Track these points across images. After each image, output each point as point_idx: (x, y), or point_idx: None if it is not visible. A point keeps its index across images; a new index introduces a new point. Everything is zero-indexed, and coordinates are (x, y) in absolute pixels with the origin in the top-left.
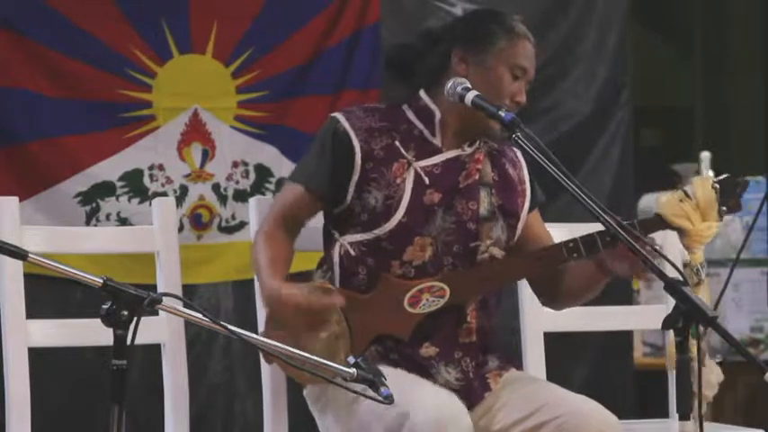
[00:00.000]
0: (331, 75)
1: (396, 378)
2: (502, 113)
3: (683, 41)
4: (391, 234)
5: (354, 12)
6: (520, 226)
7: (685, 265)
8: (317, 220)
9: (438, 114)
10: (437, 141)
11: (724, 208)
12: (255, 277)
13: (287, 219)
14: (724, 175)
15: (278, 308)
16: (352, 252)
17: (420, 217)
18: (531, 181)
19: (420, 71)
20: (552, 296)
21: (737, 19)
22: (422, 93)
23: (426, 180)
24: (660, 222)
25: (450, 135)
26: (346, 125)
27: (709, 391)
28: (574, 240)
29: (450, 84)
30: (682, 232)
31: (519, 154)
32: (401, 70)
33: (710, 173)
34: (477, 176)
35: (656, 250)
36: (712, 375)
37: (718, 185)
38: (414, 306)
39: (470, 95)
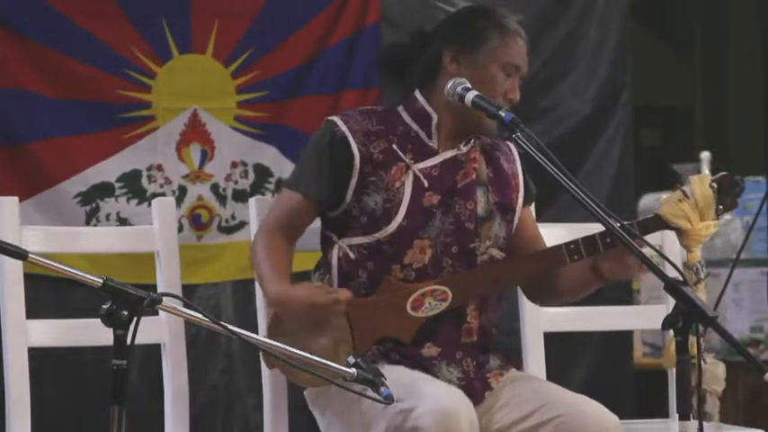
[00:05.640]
0: (331, 75)
1: (398, 374)
2: (502, 113)
3: (683, 41)
4: (392, 237)
5: (354, 12)
6: (516, 220)
7: (684, 264)
8: (316, 221)
9: (435, 117)
10: (433, 143)
11: (721, 207)
12: (257, 283)
13: (285, 226)
14: (721, 174)
15: (284, 308)
16: (352, 255)
17: (419, 219)
18: (524, 175)
19: (414, 71)
20: (540, 295)
21: (737, 19)
22: (417, 93)
23: (425, 182)
24: (659, 222)
25: (446, 136)
26: (344, 128)
27: (718, 386)
28: (575, 242)
29: (450, 84)
30: (680, 232)
31: (512, 147)
32: (395, 70)
33: (707, 172)
34: (474, 176)
35: (656, 250)
36: (718, 369)
37: (716, 184)
38: (416, 310)
39: (470, 95)
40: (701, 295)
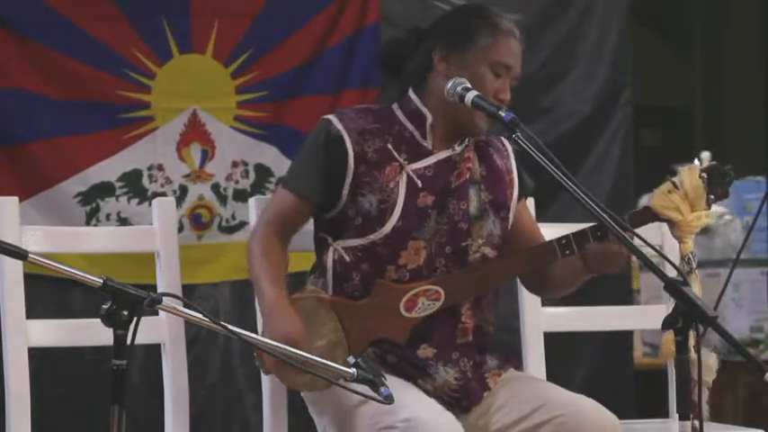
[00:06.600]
0: (331, 75)
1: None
2: (502, 113)
3: (683, 41)
4: (386, 239)
5: (354, 12)
6: (511, 216)
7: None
8: (311, 221)
9: (429, 118)
10: (428, 143)
11: (712, 197)
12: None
13: (280, 226)
14: (710, 164)
15: (270, 321)
16: (347, 257)
17: (414, 220)
18: (518, 170)
19: (408, 70)
20: (535, 287)
21: (737, 19)
22: (411, 93)
23: (419, 183)
24: (650, 215)
25: (440, 136)
26: (339, 126)
27: (709, 377)
28: (566, 237)
29: (450, 84)
30: (671, 223)
31: (506, 143)
32: (393, 67)
33: (697, 163)
34: (467, 176)
35: (655, 250)
36: (710, 359)
37: (705, 174)
38: (410, 311)
39: (470, 95)
40: (695, 285)
